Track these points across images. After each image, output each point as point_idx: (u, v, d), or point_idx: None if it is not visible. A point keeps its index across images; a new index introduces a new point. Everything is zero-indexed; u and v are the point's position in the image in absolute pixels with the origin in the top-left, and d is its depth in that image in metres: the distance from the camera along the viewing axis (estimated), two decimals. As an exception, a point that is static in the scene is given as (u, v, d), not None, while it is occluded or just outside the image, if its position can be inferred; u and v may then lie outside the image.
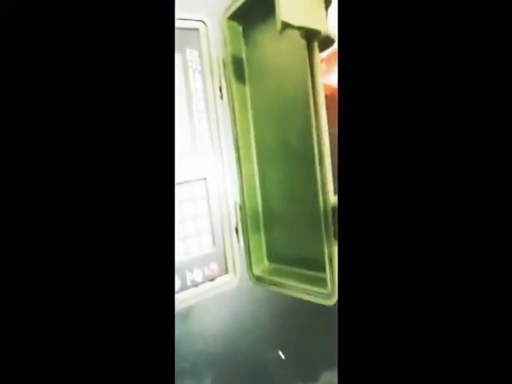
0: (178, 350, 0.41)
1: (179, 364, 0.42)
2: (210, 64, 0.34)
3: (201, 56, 0.33)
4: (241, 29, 0.34)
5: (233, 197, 0.35)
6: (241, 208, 0.35)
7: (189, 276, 0.33)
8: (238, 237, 0.35)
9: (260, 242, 0.35)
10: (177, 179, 0.32)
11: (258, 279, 0.34)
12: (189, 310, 0.42)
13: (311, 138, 0.26)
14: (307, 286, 0.28)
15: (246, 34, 0.34)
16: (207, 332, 0.43)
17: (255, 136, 0.35)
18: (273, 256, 0.35)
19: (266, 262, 0.35)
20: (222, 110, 0.34)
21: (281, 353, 0.48)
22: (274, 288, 0.32)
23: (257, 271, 0.34)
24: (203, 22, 0.33)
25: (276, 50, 0.31)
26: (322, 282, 0.27)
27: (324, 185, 0.26)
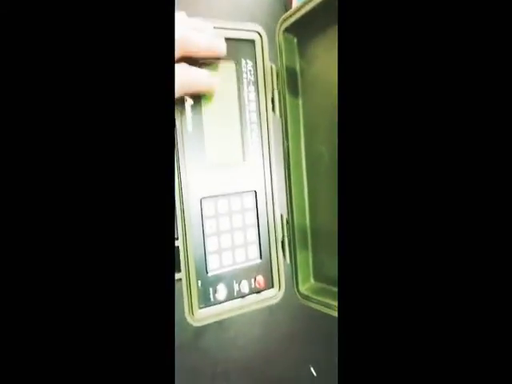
0: (214, 354, 0.41)
1: (212, 368, 0.42)
2: (264, 76, 0.33)
3: (255, 67, 0.33)
4: (296, 41, 0.34)
5: (280, 211, 0.35)
6: (288, 222, 0.35)
7: (236, 287, 0.33)
8: (283, 251, 0.35)
9: (307, 260, 0.34)
10: (228, 190, 0.32)
11: (304, 297, 0.33)
12: (231, 320, 0.41)
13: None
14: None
15: (301, 47, 0.33)
16: (246, 341, 0.43)
17: (306, 150, 0.34)
18: (319, 275, 0.34)
19: (312, 280, 0.34)
20: (274, 122, 0.34)
21: (312, 369, 0.47)
22: (320, 307, 0.31)
23: (303, 289, 0.34)
24: (259, 34, 0.33)
25: (330, 62, 0.31)
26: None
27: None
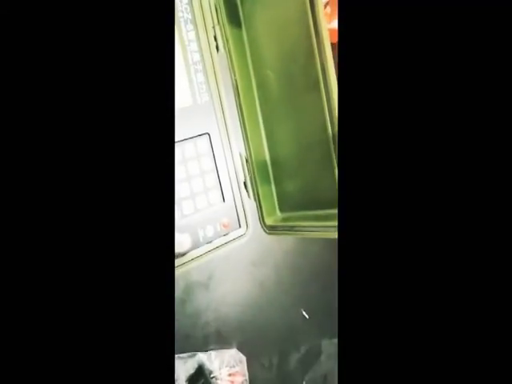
0: (202, 316, 0.42)
1: (204, 330, 0.43)
2: (202, 11, 0.32)
3: (191, 3, 0.32)
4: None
5: (238, 150, 0.35)
6: (247, 161, 0.34)
7: (201, 233, 0.33)
8: (247, 190, 0.35)
9: (271, 193, 0.35)
10: (179, 136, 0.32)
11: (271, 229, 0.34)
12: (209, 277, 0.42)
13: (316, 71, 0.25)
14: (319, 223, 0.28)
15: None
16: (228, 296, 0.44)
17: (257, 83, 0.33)
18: (284, 205, 0.35)
19: (278, 212, 0.35)
20: (219, 59, 0.33)
21: (304, 313, 0.48)
22: (290, 233, 0.32)
23: (269, 222, 0.34)
24: None
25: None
26: (332, 217, 0.26)
27: (332, 116, 0.24)
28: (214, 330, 0.43)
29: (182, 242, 0.32)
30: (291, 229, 0.31)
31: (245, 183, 0.35)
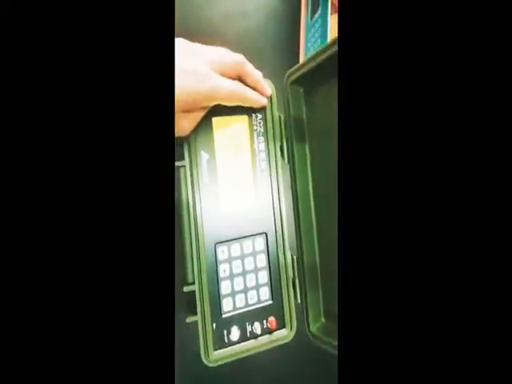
0: None
1: None
2: (273, 126, 0.36)
3: (265, 119, 0.35)
4: (302, 92, 0.36)
5: (291, 252, 0.36)
6: (298, 262, 0.36)
7: (248, 328, 0.35)
8: (294, 291, 0.36)
9: (318, 299, 0.36)
10: (240, 234, 0.34)
11: (315, 337, 0.35)
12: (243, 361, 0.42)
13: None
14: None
15: (307, 97, 0.35)
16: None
17: (313, 192, 0.36)
18: (330, 314, 0.35)
19: (322, 319, 0.35)
20: (283, 168, 0.36)
21: None
22: (329, 348, 0.32)
23: (314, 328, 0.35)
24: (270, 85, 0.35)
25: (334, 110, 0.32)
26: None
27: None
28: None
29: (231, 332, 0.34)
30: (335, 347, 0.32)
31: (293, 283, 0.36)
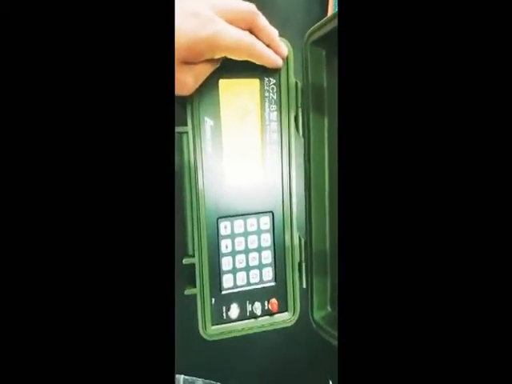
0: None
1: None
2: (288, 93, 0.32)
3: (279, 84, 0.32)
4: (324, 54, 0.31)
5: (299, 233, 0.34)
6: (306, 245, 0.33)
7: (248, 307, 0.33)
8: (300, 275, 0.34)
9: (325, 285, 0.33)
10: (245, 210, 0.32)
11: (318, 325, 0.32)
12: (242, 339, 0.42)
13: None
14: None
15: (330, 61, 0.31)
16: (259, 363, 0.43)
17: (329, 172, 0.32)
18: (337, 303, 0.33)
19: (328, 308, 0.33)
20: (297, 142, 0.33)
21: (331, 382, 0.46)
22: (331, 339, 0.30)
23: (318, 317, 0.33)
24: (287, 45, 0.31)
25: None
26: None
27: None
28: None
29: (231, 309, 0.33)
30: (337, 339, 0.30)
31: (299, 266, 0.34)
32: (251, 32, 0.27)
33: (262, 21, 0.27)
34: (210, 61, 0.27)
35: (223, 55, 0.27)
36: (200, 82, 0.28)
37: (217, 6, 0.25)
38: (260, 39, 0.28)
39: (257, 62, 0.29)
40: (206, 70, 0.27)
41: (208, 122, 0.31)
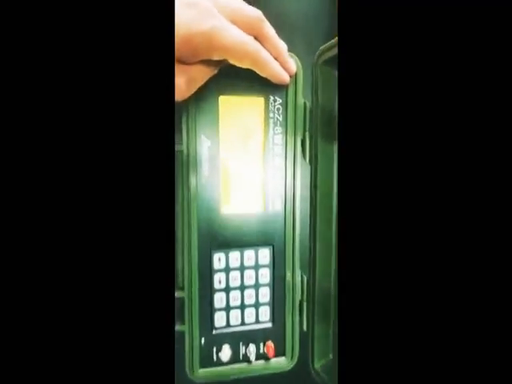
0: None
1: None
2: (295, 115, 0.29)
3: (285, 105, 0.29)
4: (336, 74, 0.28)
5: (301, 271, 0.30)
6: (308, 284, 0.30)
7: (242, 350, 0.30)
8: (300, 317, 0.30)
9: (327, 330, 0.30)
10: (242, 242, 0.29)
11: (318, 375, 0.29)
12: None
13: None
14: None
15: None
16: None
17: (338, 204, 0.29)
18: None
19: (330, 355, 0.29)
20: (302, 169, 0.29)
21: None
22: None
23: (318, 365, 0.29)
24: (296, 62, 0.28)
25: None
26: None
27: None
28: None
29: (222, 351, 0.29)
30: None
31: (300, 307, 0.30)
32: (256, 40, 0.24)
33: (270, 30, 0.24)
34: (207, 64, 0.24)
35: (222, 57, 0.23)
36: (193, 89, 0.25)
37: (221, 4, 0.22)
38: (266, 50, 0.25)
39: (261, 74, 0.26)
40: (201, 75, 0.24)
41: (205, 142, 0.28)
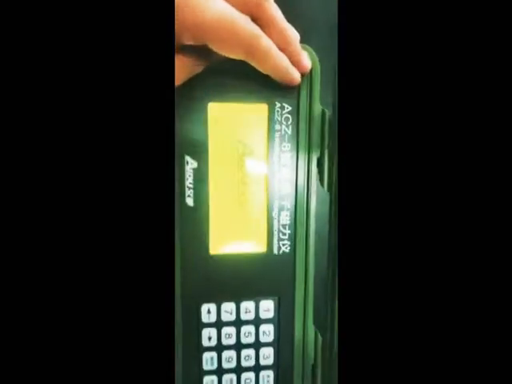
0: None
1: None
2: (309, 126, 0.22)
3: (296, 113, 0.21)
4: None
5: (314, 327, 0.24)
6: (324, 344, 0.23)
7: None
8: (313, 383, 0.24)
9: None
10: (237, 291, 0.23)
11: None
12: None
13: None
14: None
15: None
16: None
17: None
18: None
19: None
20: (319, 198, 0.22)
21: None
22: None
23: None
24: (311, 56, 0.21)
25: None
26: None
27: None
28: None
29: None
30: None
31: (313, 373, 0.24)
32: (255, 23, 0.18)
33: (275, 11, 0.18)
34: (190, 54, 0.18)
35: (201, 41, 0.17)
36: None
37: None
38: (269, 37, 0.18)
39: (261, 69, 0.19)
40: (180, 69, 0.18)
41: (190, 164, 0.21)
